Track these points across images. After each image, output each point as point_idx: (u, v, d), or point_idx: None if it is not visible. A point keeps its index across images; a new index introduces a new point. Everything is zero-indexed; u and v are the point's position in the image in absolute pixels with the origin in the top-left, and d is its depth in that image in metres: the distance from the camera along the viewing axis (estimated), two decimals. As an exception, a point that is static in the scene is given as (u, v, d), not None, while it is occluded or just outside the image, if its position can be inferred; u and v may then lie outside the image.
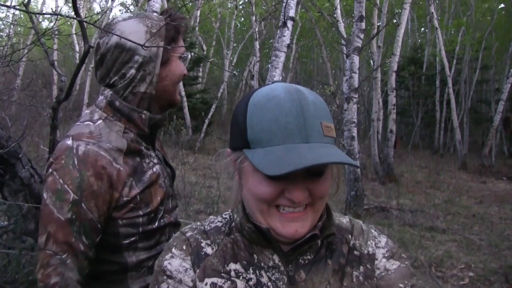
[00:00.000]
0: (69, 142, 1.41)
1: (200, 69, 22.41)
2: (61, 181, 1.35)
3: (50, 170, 1.38)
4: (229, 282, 1.04)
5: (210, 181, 9.13)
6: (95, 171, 1.38)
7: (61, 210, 1.34)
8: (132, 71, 1.49)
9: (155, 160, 1.58)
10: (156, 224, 1.52)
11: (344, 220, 1.19)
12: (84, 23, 1.70)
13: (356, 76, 8.37)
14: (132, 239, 1.48)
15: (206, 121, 16.45)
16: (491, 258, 5.87)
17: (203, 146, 16.26)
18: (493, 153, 17.61)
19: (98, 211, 1.38)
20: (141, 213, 1.47)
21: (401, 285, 1.07)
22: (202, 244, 1.10)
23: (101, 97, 1.54)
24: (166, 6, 6.34)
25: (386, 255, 1.12)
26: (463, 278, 5.13)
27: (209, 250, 1.09)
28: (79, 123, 1.51)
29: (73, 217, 1.34)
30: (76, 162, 1.38)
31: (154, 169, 1.54)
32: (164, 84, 1.56)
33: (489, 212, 8.96)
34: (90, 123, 1.49)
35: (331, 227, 1.09)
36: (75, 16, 1.71)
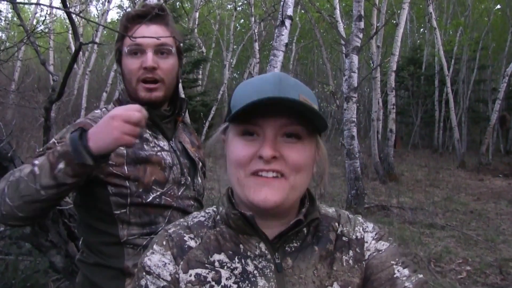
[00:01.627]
0: None
1: (200, 71, 22.39)
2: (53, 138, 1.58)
3: None
4: (213, 272, 1.04)
5: (211, 183, 9.13)
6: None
7: (40, 149, 1.57)
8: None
9: (166, 148, 1.71)
10: (149, 200, 1.60)
11: (330, 210, 1.20)
12: (74, 18, 1.70)
13: (355, 75, 8.38)
14: (123, 210, 1.59)
15: (207, 123, 16.44)
16: (487, 252, 6.00)
17: (203, 149, 16.20)
18: (490, 151, 17.63)
19: None
20: (127, 184, 1.59)
21: (392, 262, 1.08)
22: (185, 238, 1.10)
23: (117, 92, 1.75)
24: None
25: (375, 237, 1.14)
26: (461, 272, 5.21)
27: (192, 243, 1.09)
28: (94, 110, 1.74)
29: (43, 148, 1.55)
30: (68, 127, 1.65)
31: (158, 154, 1.67)
32: (125, 82, 1.71)
33: (486, 209, 9.11)
34: (99, 110, 1.71)
35: (314, 212, 1.10)
36: (61, 7, 1.71)
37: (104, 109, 1.72)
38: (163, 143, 1.72)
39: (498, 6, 23.51)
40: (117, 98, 1.78)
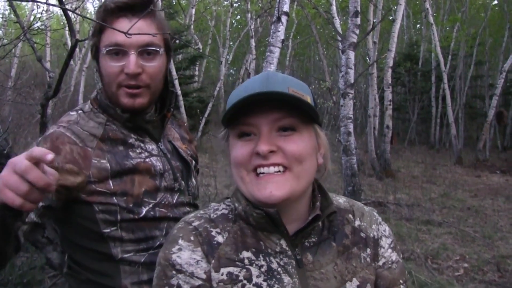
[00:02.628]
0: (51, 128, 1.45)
1: (196, 68, 22.34)
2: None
3: None
4: (244, 270, 1.03)
5: (207, 180, 9.10)
6: (53, 145, 1.36)
7: None
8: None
9: (154, 152, 1.53)
10: (142, 215, 1.44)
11: (341, 200, 1.19)
12: (70, 14, 1.68)
13: (352, 71, 8.37)
14: (113, 228, 1.42)
15: (203, 120, 16.40)
16: (485, 249, 5.99)
17: (200, 145, 16.22)
18: (487, 148, 17.64)
19: None
20: (114, 200, 1.40)
21: (401, 280, 1.13)
22: (212, 233, 1.07)
23: (95, 91, 1.56)
24: (160, 3, 6.24)
25: (391, 246, 1.15)
26: (458, 269, 5.20)
27: (220, 239, 1.06)
28: (69, 111, 1.54)
29: None
30: (39, 140, 1.41)
31: (147, 160, 1.49)
32: (103, 81, 1.48)
33: (483, 205, 9.09)
34: (75, 112, 1.51)
35: (331, 206, 1.10)
36: (57, 4, 1.69)
37: (80, 111, 1.52)
38: (151, 147, 1.53)
39: (495, 2, 23.51)
40: (95, 96, 1.54)
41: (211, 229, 1.07)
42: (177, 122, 1.80)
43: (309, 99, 1.02)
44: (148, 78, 1.44)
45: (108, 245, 1.42)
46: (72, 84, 18.20)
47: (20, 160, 0.95)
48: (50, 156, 0.93)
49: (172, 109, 1.63)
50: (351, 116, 8.35)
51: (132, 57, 1.39)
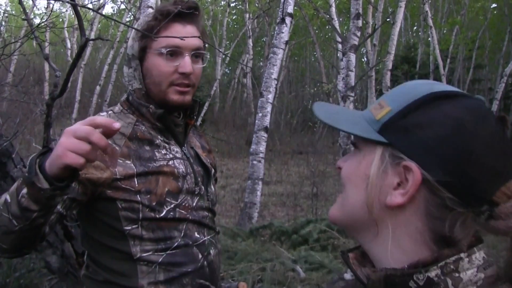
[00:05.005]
0: None
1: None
2: None
3: None
4: None
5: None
6: None
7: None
8: (127, 68, 1.58)
9: (178, 155, 1.59)
10: (162, 214, 1.49)
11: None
12: (80, 12, 1.60)
13: (352, 74, 8.33)
14: (134, 226, 1.47)
15: (199, 119, 16.36)
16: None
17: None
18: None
19: None
20: (138, 198, 1.47)
21: None
22: None
23: (126, 93, 1.63)
24: (159, 1, 6.21)
25: None
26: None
27: None
28: (100, 112, 1.63)
29: None
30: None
31: (170, 163, 1.55)
32: (147, 82, 1.57)
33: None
34: (105, 113, 1.59)
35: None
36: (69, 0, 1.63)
37: (110, 111, 1.60)
38: (176, 149, 1.60)
39: (494, 5, 23.51)
40: (126, 98, 1.63)
41: None
42: (198, 132, 1.86)
43: (385, 110, 0.80)
44: (195, 78, 1.57)
45: (128, 243, 1.47)
46: (69, 80, 18.07)
47: (78, 127, 1.11)
48: (117, 124, 1.12)
49: (195, 117, 1.70)
50: (352, 119, 8.31)
51: (187, 58, 1.52)
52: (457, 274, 0.72)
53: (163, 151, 1.56)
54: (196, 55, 1.57)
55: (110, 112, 1.59)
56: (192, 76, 1.55)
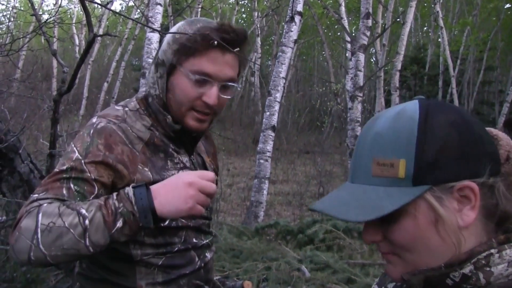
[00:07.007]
0: (94, 119, 1.45)
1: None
2: (73, 145, 1.38)
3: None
4: None
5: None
6: (107, 142, 1.38)
7: (61, 165, 1.34)
8: (154, 70, 1.51)
9: (187, 164, 1.57)
10: (166, 224, 1.47)
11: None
12: (88, 8, 1.58)
13: (361, 74, 8.29)
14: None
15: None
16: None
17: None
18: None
19: (97, 174, 1.33)
20: None
21: None
22: None
23: (143, 89, 1.58)
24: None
25: None
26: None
27: None
28: (113, 106, 1.56)
29: (68, 168, 1.32)
30: (91, 132, 1.40)
31: (180, 172, 1.52)
32: (169, 96, 1.50)
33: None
34: (121, 108, 1.52)
35: None
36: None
37: (126, 108, 1.52)
38: (185, 159, 1.58)
39: (508, 5, 23.21)
40: (144, 98, 1.55)
41: None
42: (204, 132, 1.81)
43: (392, 162, 0.81)
44: (217, 108, 1.50)
45: (128, 245, 1.45)
46: (77, 77, 18.14)
47: (206, 184, 1.28)
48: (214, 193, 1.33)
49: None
50: (360, 119, 8.28)
51: (215, 89, 1.44)
52: (488, 269, 0.77)
53: (175, 160, 1.54)
54: (226, 86, 1.49)
55: (126, 109, 1.52)
56: (215, 106, 1.47)
